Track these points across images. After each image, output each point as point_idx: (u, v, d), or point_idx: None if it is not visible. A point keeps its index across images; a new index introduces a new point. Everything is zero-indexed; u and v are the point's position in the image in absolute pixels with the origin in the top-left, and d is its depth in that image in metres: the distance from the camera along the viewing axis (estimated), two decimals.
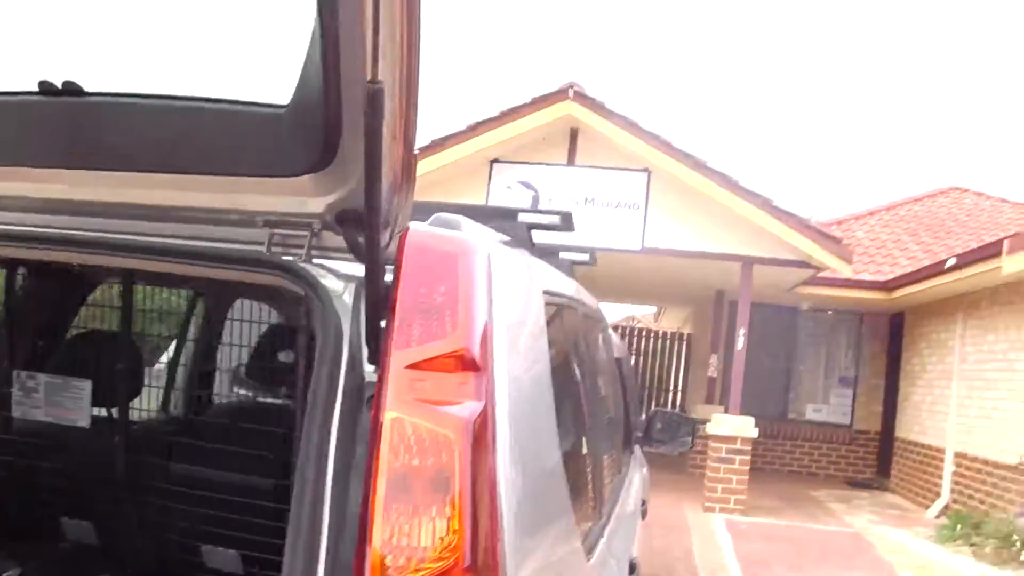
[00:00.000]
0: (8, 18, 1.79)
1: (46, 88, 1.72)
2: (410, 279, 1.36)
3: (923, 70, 74.99)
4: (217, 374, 3.54)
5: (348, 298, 1.53)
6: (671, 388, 18.31)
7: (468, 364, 1.30)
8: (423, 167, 9.98)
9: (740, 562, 8.07)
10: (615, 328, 20.65)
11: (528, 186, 10.44)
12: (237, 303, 3.65)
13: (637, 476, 4.29)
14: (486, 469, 1.25)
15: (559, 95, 10.25)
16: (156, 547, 2.72)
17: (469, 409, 1.25)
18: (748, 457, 10.54)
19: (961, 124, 74.70)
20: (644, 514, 4.20)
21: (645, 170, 10.49)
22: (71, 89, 1.71)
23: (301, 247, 1.65)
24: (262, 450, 2.49)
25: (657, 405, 18.07)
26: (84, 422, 2.62)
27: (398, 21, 1.27)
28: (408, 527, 1.17)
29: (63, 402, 2.64)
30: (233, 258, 1.67)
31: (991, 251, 9.23)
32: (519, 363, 1.56)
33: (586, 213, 10.31)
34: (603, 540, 2.39)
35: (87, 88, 1.72)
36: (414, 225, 1.50)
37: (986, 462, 10.10)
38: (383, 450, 1.20)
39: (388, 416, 1.22)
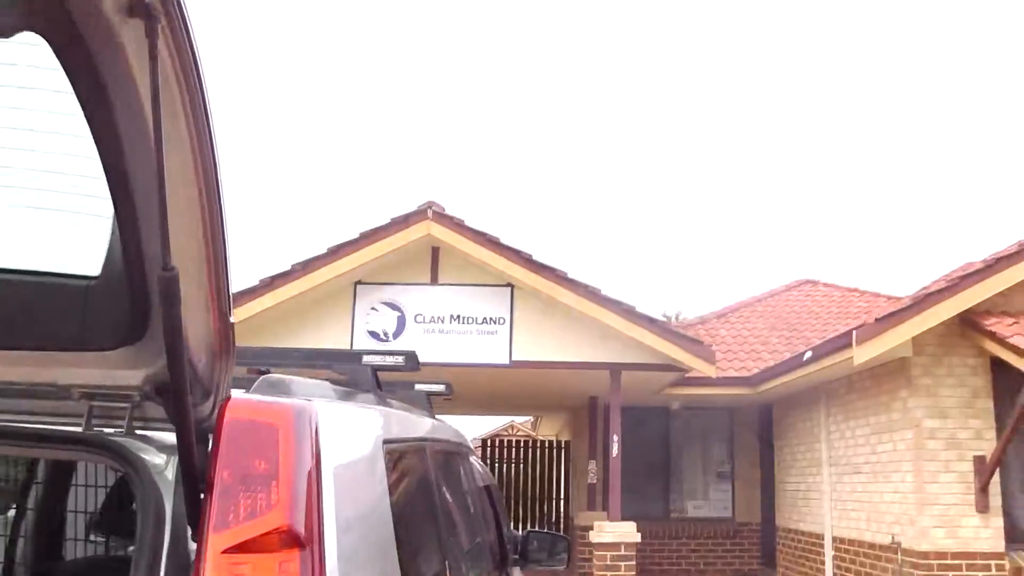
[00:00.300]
0: None
1: None
2: (228, 452, 1.34)
3: (767, 167, 79.58)
4: (62, 536, 3.35)
5: (171, 473, 1.49)
6: (554, 496, 18.25)
7: (292, 540, 1.28)
8: (287, 291, 9.89)
9: None
10: (494, 439, 20.65)
11: (394, 307, 10.44)
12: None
13: None
14: None
15: (419, 215, 10.37)
16: None
17: None
18: (633, 562, 10.53)
19: (810, 217, 79.21)
20: None
21: (508, 285, 10.64)
22: None
23: (122, 419, 1.60)
24: None
25: (542, 514, 17.98)
26: None
27: (197, 206, 1.28)
28: None
29: None
30: (49, 437, 1.61)
31: (842, 342, 9.68)
32: (353, 523, 1.54)
33: (453, 330, 10.37)
34: None
35: None
36: (237, 394, 1.49)
37: (862, 544, 10.38)
38: None
39: None
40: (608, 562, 10.42)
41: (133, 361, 1.55)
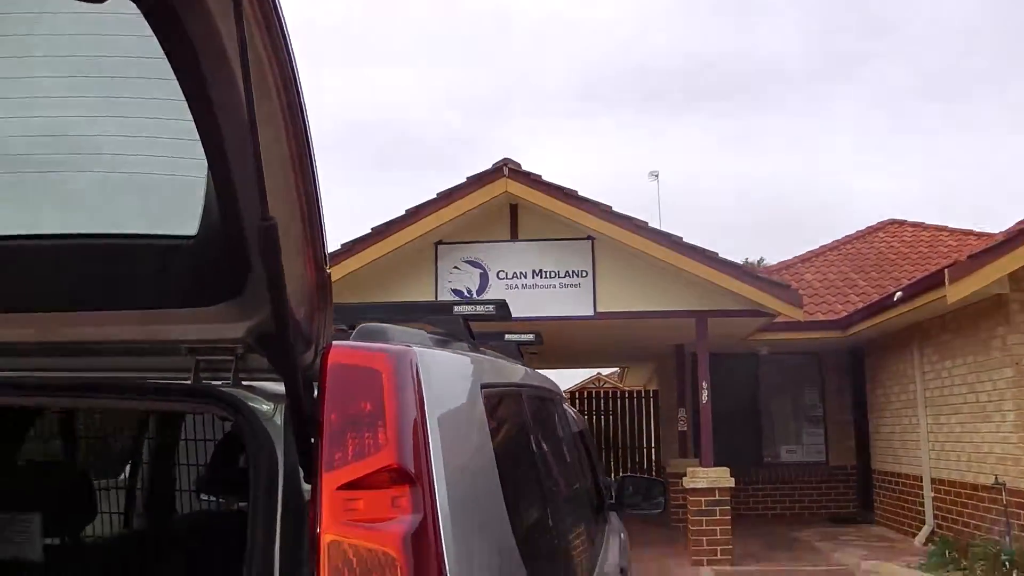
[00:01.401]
0: None
1: None
2: (334, 398, 1.37)
3: (843, 101, 77.18)
4: (175, 488, 3.49)
5: (279, 419, 1.53)
6: (644, 445, 18.27)
7: (402, 477, 1.30)
8: (368, 255, 10.02)
9: None
10: (582, 392, 20.72)
11: (476, 264, 10.51)
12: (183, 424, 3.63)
13: (615, 544, 4.26)
14: None
15: (495, 173, 10.39)
16: None
17: (407, 523, 1.25)
18: (728, 507, 10.51)
19: (893, 155, 76.81)
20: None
21: (589, 238, 10.61)
22: None
23: (228, 371, 1.65)
24: (227, 558, 2.45)
25: (633, 463, 18.02)
26: (35, 556, 2.57)
27: (287, 159, 1.30)
28: None
29: (12, 538, 2.59)
30: (160, 390, 1.67)
31: (934, 281, 9.42)
32: (459, 467, 1.56)
33: (536, 284, 10.40)
34: None
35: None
36: (337, 342, 1.51)
37: (964, 485, 10.16)
38: (323, 574, 1.20)
39: (325, 539, 1.22)
40: (702, 508, 10.42)
41: (235, 315, 1.59)
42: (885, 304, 11.27)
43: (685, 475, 10.64)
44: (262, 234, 1.24)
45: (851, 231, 17.61)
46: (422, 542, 1.25)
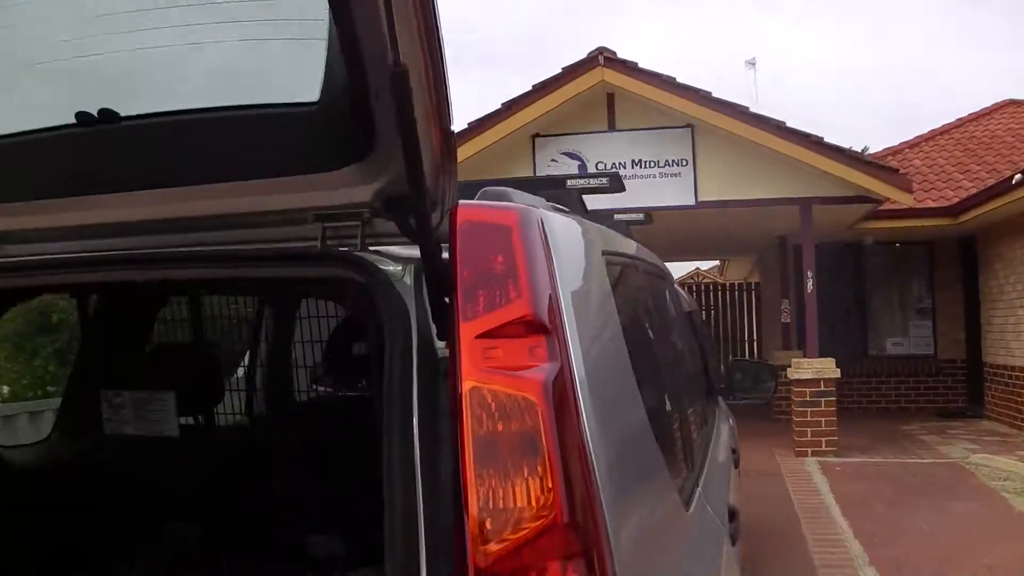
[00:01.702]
0: (39, 56, 1.83)
1: (83, 119, 1.77)
2: (466, 253, 1.37)
3: None
4: (294, 373, 3.62)
5: (409, 280, 1.55)
6: (746, 339, 18.12)
7: (538, 328, 1.31)
8: (464, 151, 10.01)
9: (839, 503, 7.96)
10: (682, 285, 20.55)
11: (573, 156, 10.40)
12: (303, 304, 3.73)
13: (724, 427, 4.26)
14: (571, 427, 1.26)
15: (590, 62, 10.18)
16: (259, 543, 2.80)
17: (546, 371, 1.26)
18: (833, 398, 10.40)
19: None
20: (736, 463, 4.17)
21: (688, 125, 10.38)
22: (107, 117, 1.76)
23: (354, 237, 1.67)
24: (350, 438, 2.53)
25: (734, 356, 17.91)
26: (172, 432, 2.71)
27: (411, 6, 1.27)
28: (502, 491, 1.18)
29: (150, 415, 2.73)
30: (290, 256, 1.69)
31: None
32: (589, 324, 1.56)
33: (635, 175, 10.25)
34: (699, 490, 2.38)
35: (122, 113, 1.77)
36: (464, 201, 1.51)
37: None
38: (466, 419, 1.21)
39: (466, 386, 1.23)
40: (808, 398, 10.33)
41: (361, 178, 1.60)
42: (1002, 188, 10.75)
43: (789, 367, 10.54)
44: (394, 81, 1.22)
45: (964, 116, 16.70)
46: (560, 389, 1.26)
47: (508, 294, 1.32)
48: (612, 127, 10.62)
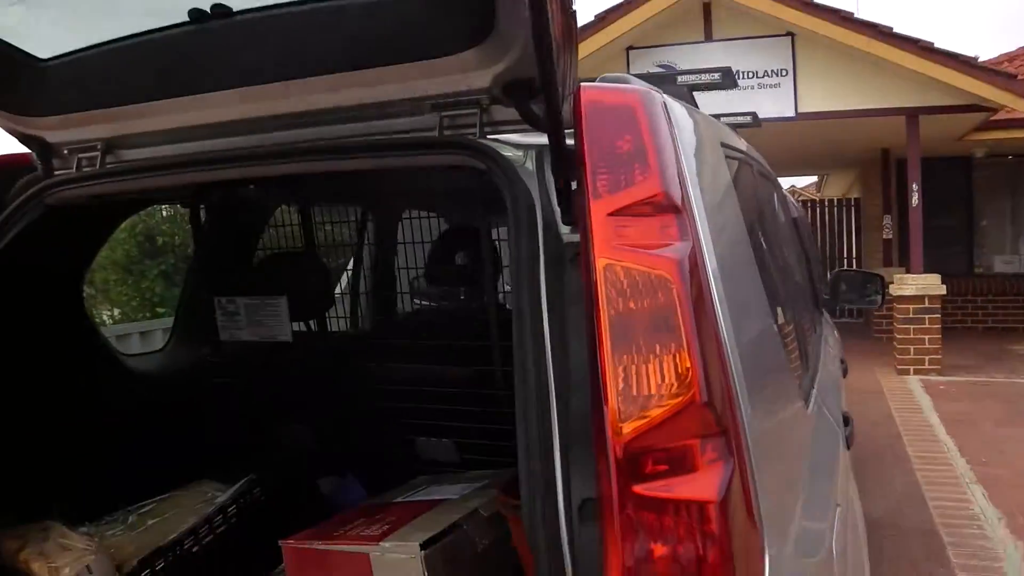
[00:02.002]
0: None
1: (196, 16, 1.77)
2: (593, 133, 1.33)
3: None
4: (398, 282, 3.65)
5: (531, 165, 1.53)
6: (845, 255, 17.66)
7: (668, 206, 1.28)
8: None
9: (943, 422, 7.79)
10: None
11: (669, 68, 10.14)
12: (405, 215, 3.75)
13: (831, 336, 4.18)
14: (704, 307, 1.23)
15: None
16: (371, 446, 2.86)
17: (679, 250, 1.23)
18: (938, 315, 10.10)
19: None
20: (844, 372, 4.09)
21: (788, 34, 9.99)
22: (220, 12, 1.75)
23: (472, 126, 1.65)
24: (458, 341, 2.56)
25: (839, 268, 17.49)
26: (286, 337, 2.77)
27: None
28: (639, 370, 1.17)
29: (264, 321, 2.79)
30: (412, 144, 1.68)
31: None
32: (714, 209, 1.52)
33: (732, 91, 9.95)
34: (815, 391, 2.34)
35: (234, 7, 1.76)
36: (585, 84, 1.47)
37: None
38: (601, 298, 1.19)
39: (600, 264, 1.21)
40: (910, 316, 10.06)
41: (481, 62, 1.57)
42: None
43: (891, 283, 10.24)
44: None
45: None
46: (693, 269, 1.23)
47: (637, 173, 1.29)
48: (708, 37, 10.30)
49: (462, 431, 2.64)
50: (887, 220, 13.14)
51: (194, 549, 2.30)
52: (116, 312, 11.98)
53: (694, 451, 1.15)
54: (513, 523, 2.08)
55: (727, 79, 2.50)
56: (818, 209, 18.15)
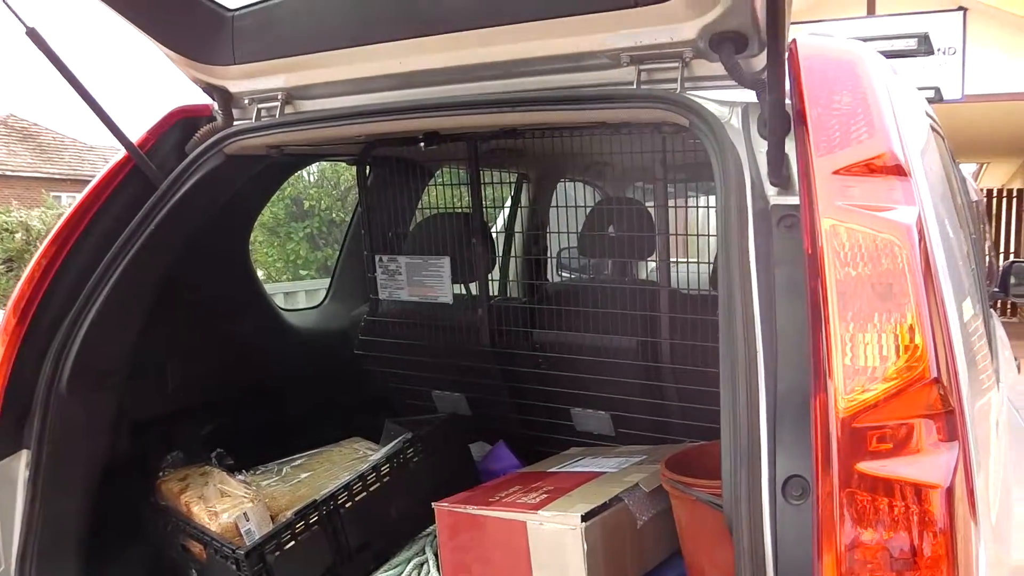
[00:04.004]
0: None
1: None
2: (815, 87, 1.26)
3: None
4: (551, 247, 3.60)
5: (736, 122, 1.44)
6: (1002, 250, 16.70)
7: (893, 169, 1.19)
8: None
9: None
10: None
11: None
12: (560, 187, 3.70)
13: (1001, 330, 3.92)
14: (931, 277, 1.13)
15: None
16: (523, 413, 2.83)
17: (907, 214, 1.13)
18: None
19: None
20: (1019, 368, 3.84)
21: (960, 8, 9.41)
22: None
23: (673, 80, 1.57)
24: (622, 311, 2.49)
25: (1015, 258, 16.57)
26: (447, 298, 2.75)
27: None
28: (863, 339, 1.08)
29: (424, 281, 2.79)
30: (610, 96, 1.61)
31: None
32: (928, 176, 1.41)
33: (894, 66, 9.49)
34: (1001, 381, 2.18)
35: None
36: (800, 38, 1.38)
37: None
38: (827, 261, 1.11)
39: (824, 224, 1.12)
40: None
41: (686, 12, 1.48)
42: None
43: None
44: None
45: None
46: (921, 233, 1.13)
47: (860, 132, 1.20)
48: (871, 11, 9.81)
49: (620, 404, 2.57)
50: None
51: (347, 505, 2.31)
52: (261, 273, 12.40)
53: (920, 431, 1.06)
54: (676, 499, 2.01)
55: (924, 45, 2.32)
56: (983, 200, 17.18)
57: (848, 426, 1.05)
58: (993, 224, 16.56)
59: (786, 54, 1.33)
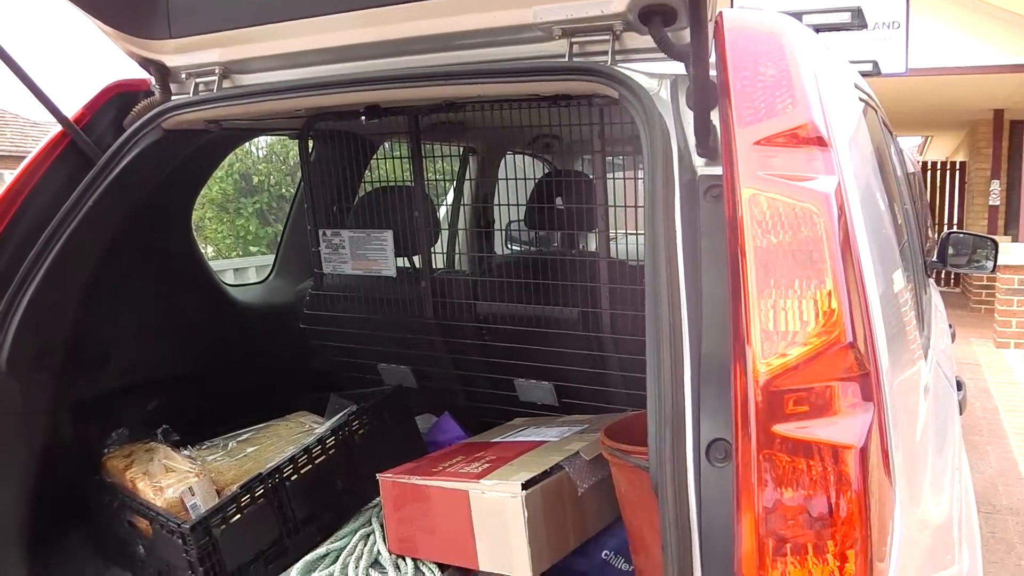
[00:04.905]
0: None
1: None
2: (738, 60, 1.28)
3: None
4: (496, 221, 3.62)
5: (665, 94, 1.47)
6: (946, 221, 17.06)
7: (814, 139, 1.22)
8: None
9: None
10: None
11: None
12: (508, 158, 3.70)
13: (938, 299, 4.03)
14: (849, 245, 1.17)
15: None
16: (468, 385, 2.86)
17: (826, 183, 1.17)
18: None
19: None
20: (952, 337, 3.95)
21: None
22: None
23: (603, 53, 1.59)
24: (563, 281, 2.52)
25: (949, 229, 16.92)
26: (390, 272, 2.76)
27: None
28: (781, 305, 1.11)
29: (368, 254, 2.79)
30: (543, 69, 1.63)
31: None
32: (853, 147, 1.44)
33: (839, 39, 9.61)
34: (931, 349, 2.24)
35: None
36: (726, 10, 1.40)
37: None
38: (745, 231, 1.14)
39: (745, 194, 1.15)
40: (1015, 286, 9.65)
41: None
42: None
43: None
44: None
45: None
46: (840, 202, 1.17)
47: (783, 102, 1.23)
48: None
49: (562, 374, 2.60)
50: (995, 185, 12.57)
51: (292, 478, 2.33)
52: (210, 250, 12.28)
53: (835, 393, 1.10)
54: (615, 466, 2.05)
55: (857, 19, 2.36)
56: (921, 171, 17.51)
57: (766, 389, 1.09)
58: (938, 196, 16.90)
59: (711, 27, 1.35)
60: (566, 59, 1.61)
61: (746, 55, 1.28)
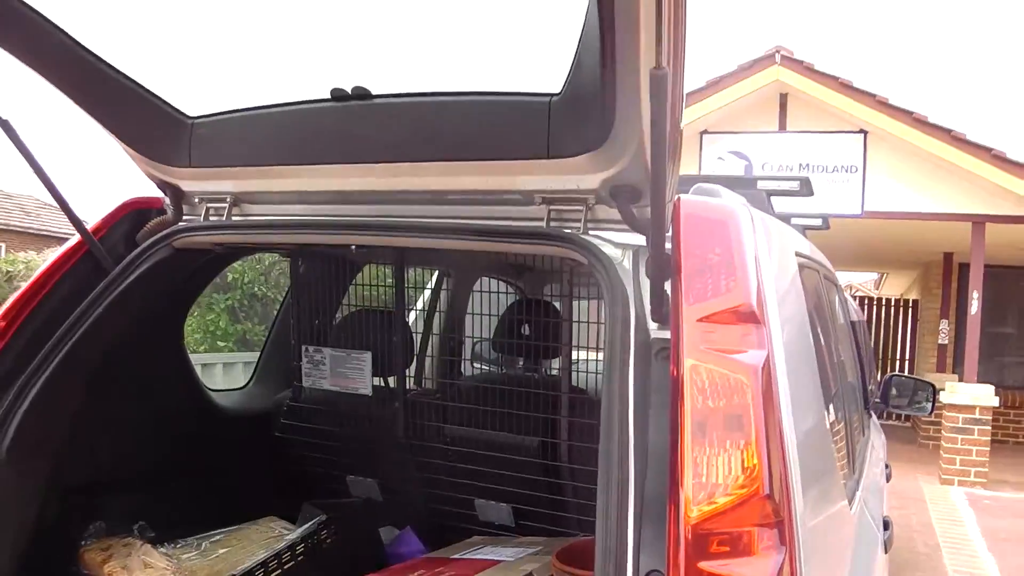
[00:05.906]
0: (300, 36, 2.05)
1: (338, 95, 1.99)
2: (690, 243, 1.50)
3: None
4: (465, 347, 3.80)
5: (627, 264, 1.69)
6: (898, 357, 17.49)
7: (749, 317, 1.43)
8: None
9: (985, 538, 7.64)
10: None
11: (740, 155, 10.32)
12: (479, 283, 3.91)
13: (877, 440, 4.25)
14: (772, 410, 1.38)
15: (766, 61, 10.06)
16: (431, 502, 3.00)
17: (756, 356, 1.39)
18: (988, 427, 9.95)
19: None
20: (888, 477, 4.16)
21: (861, 131, 10.14)
22: (360, 94, 1.97)
23: (577, 221, 1.82)
24: (525, 411, 2.70)
25: (892, 372, 17.27)
26: (366, 390, 2.93)
27: (669, 6, 1.35)
28: (713, 460, 1.32)
29: (347, 373, 2.97)
30: (521, 233, 1.86)
31: None
32: (786, 319, 1.67)
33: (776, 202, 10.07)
34: (859, 493, 2.45)
35: (374, 91, 1.97)
36: (684, 196, 1.64)
37: None
38: (687, 394, 1.35)
39: (687, 363, 1.37)
40: (959, 424, 9.95)
41: (592, 166, 1.74)
42: None
43: (943, 390, 10.16)
44: (655, 82, 1.32)
45: None
46: (766, 373, 1.38)
47: (725, 284, 1.46)
48: (782, 128, 10.48)
49: (520, 497, 2.76)
50: (944, 325, 13.04)
51: None
52: None
53: (753, 537, 1.30)
54: None
55: (805, 188, 2.65)
56: (875, 307, 18.04)
57: (695, 531, 1.29)
58: (892, 332, 17.35)
59: (670, 208, 1.59)
60: (544, 223, 1.85)
61: (697, 238, 1.50)
